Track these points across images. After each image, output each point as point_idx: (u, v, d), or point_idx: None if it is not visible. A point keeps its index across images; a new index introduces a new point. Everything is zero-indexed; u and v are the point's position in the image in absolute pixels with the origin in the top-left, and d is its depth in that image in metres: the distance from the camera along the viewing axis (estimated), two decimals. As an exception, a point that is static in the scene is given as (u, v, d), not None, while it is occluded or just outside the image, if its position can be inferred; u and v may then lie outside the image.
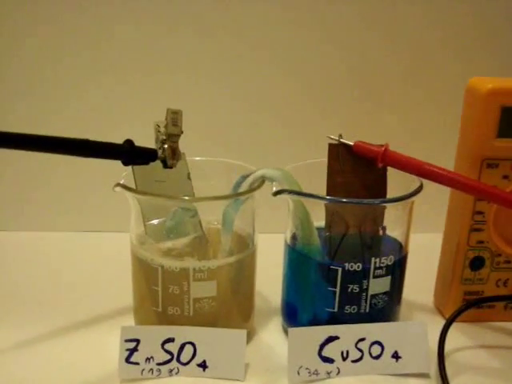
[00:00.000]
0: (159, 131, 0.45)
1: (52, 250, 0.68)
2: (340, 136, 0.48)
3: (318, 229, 0.47)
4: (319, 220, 0.47)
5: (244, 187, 0.46)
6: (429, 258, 0.56)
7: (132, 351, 0.44)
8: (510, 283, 0.53)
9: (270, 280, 0.52)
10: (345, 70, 0.68)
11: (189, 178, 0.50)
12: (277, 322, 0.53)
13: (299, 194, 0.45)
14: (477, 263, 0.52)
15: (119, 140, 0.43)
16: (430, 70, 0.69)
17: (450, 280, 0.52)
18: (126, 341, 0.44)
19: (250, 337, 0.50)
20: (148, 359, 0.44)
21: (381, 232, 0.47)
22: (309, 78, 0.68)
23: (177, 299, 0.45)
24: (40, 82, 0.67)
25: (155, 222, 0.48)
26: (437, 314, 0.55)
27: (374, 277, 0.46)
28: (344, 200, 0.45)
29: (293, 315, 0.50)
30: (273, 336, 0.51)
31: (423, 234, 0.61)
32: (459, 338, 0.51)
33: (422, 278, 0.56)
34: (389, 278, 0.46)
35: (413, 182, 0.47)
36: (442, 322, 0.50)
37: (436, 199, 0.54)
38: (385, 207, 0.47)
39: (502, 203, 0.46)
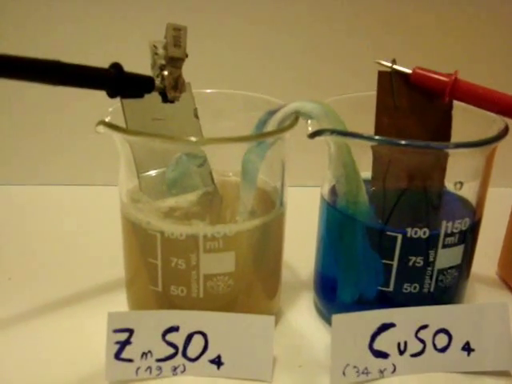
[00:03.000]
0: (157, 54, 0.36)
1: (29, 207, 0.59)
2: (393, 61, 0.39)
3: (364, 182, 0.37)
4: (363, 171, 0.37)
5: (271, 126, 0.35)
6: (493, 218, 0.45)
7: (123, 344, 0.35)
8: None
9: (300, 246, 0.43)
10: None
11: (196, 115, 0.40)
12: (309, 300, 0.43)
13: (346, 134, 0.35)
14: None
15: (104, 64, 0.33)
16: None
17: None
18: (116, 331, 0.35)
19: (275, 320, 0.39)
20: (145, 354, 0.35)
21: (458, 187, 0.36)
22: None
23: (182, 276, 0.35)
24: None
25: (152, 173, 0.38)
26: (504, 288, 0.46)
27: (444, 246, 0.35)
28: (406, 143, 0.33)
29: (330, 293, 0.40)
30: (304, 318, 0.41)
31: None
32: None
33: (483, 243, 0.46)
34: (461, 247, 0.37)
35: (492, 122, 0.37)
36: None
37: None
38: (447, 155, 0.36)
39: None
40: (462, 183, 0.36)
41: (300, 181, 0.43)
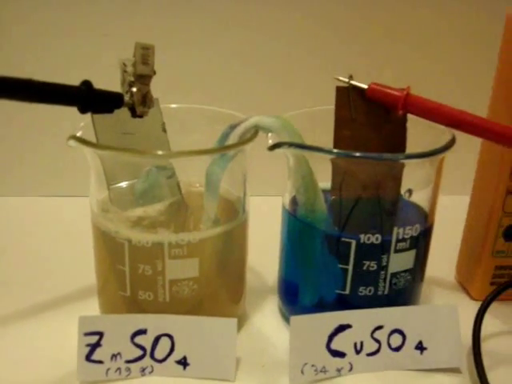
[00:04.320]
0: (126, 71, 0.37)
1: (5, 217, 0.59)
2: (350, 77, 0.40)
3: (323, 191, 0.38)
4: (323, 181, 0.39)
5: (232, 140, 0.37)
6: (450, 224, 0.47)
7: (94, 347, 0.36)
8: (549, 255, 0.44)
9: (264, 252, 0.44)
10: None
11: (163, 129, 0.41)
12: (273, 304, 0.44)
13: (303, 147, 0.36)
14: (512, 232, 0.43)
15: (75, 81, 0.34)
16: None
17: (479, 252, 0.44)
18: (86, 334, 0.36)
19: (240, 323, 0.41)
20: (114, 356, 0.36)
21: (407, 196, 0.38)
22: (312, 6, 0.59)
23: (149, 281, 0.37)
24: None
25: (122, 184, 0.40)
26: (460, 291, 0.47)
27: (396, 251, 0.37)
28: (360, 155, 0.35)
29: (293, 297, 0.41)
30: (268, 321, 0.43)
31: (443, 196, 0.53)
32: (492, 322, 0.43)
33: (441, 248, 0.47)
34: (413, 252, 0.38)
35: (441, 133, 0.39)
36: (468, 303, 0.44)
37: (461, 156, 0.45)
38: (403, 165, 0.38)
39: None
40: (411, 191, 0.38)
41: (263, 190, 0.44)
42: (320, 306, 0.39)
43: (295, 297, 0.41)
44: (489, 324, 0.42)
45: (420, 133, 0.40)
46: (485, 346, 0.40)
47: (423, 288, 0.45)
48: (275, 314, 0.43)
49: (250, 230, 0.41)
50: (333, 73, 0.40)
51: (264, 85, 0.60)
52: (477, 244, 0.44)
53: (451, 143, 0.37)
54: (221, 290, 0.39)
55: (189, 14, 0.58)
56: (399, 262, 0.38)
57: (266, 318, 0.43)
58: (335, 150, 0.37)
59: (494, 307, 0.43)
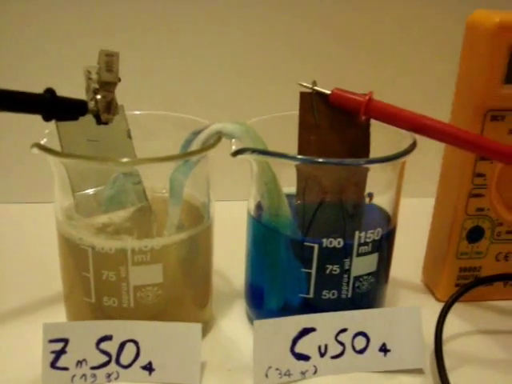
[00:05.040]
0: (90, 78, 0.37)
1: None
2: (314, 83, 0.40)
3: (289, 196, 0.39)
4: (290, 186, 0.39)
5: (196, 146, 0.37)
6: (416, 226, 0.48)
7: (59, 354, 0.36)
8: (511, 257, 0.45)
9: (232, 256, 0.44)
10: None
11: (129, 136, 0.41)
12: (240, 308, 0.45)
13: (265, 153, 0.36)
14: (475, 234, 0.44)
15: (39, 89, 0.35)
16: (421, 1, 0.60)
17: (444, 254, 0.45)
18: (51, 341, 0.36)
19: (207, 328, 0.42)
20: (79, 362, 0.36)
21: (367, 200, 0.38)
22: (277, 11, 0.59)
23: (113, 288, 0.37)
24: None
25: (87, 191, 0.39)
26: (427, 293, 0.48)
27: (358, 255, 0.37)
28: (321, 160, 0.36)
29: (259, 300, 0.42)
30: (235, 325, 0.43)
31: (410, 198, 0.53)
32: (454, 323, 0.43)
33: (407, 251, 0.48)
34: (376, 255, 0.38)
35: (403, 138, 0.39)
36: (433, 304, 0.45)
37: (426, 159, 0.46)
38: (367, 169, 0.38)
39: (509, 162, 0.38)
40: (371, 195, 0.39)
41: (229, 195, 0.44)
42: (286, 310, 0.39)
43: (261, 301, 0.41)
44: (454, 325, 0.43)
45: (384, 137, 0.41)
46: (449, 347, 0.41)
47: (390, 290, 0.46)
48: (242, 318, 0.43)
49: (217, 235, 0.42)
50: (297, 79, 0.40)
51: (229, 91, 0.61)
52: (441, 246, 0.45)
53: (412, 148, 0.38)
54: (186, 295, 0.39)
55: (152, 20, 0.58)
56: (362, 265, 0.38)
57: (233, 322, 0.43)
58: (296, 156, 0.37)
59: (460, 308, 0.44)
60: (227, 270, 0.48)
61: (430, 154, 0.45)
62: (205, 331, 0.41)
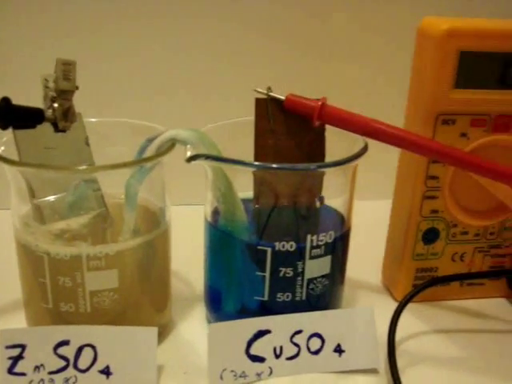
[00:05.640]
0: (47, 87, 0.37)
1: None
2: (269, 89, 0.40)
3: (246, 201, 0.40)
4: (248, 191, 0.40)
5: (150, 152, 0.38)
6: (377, 228, 0.49)
7: (16, 359, 0.36)
8: (466, 257, 0.46)
9: (193, 260, 0.44)
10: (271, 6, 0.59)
11: (87, 143, 0.41)
12: (200, 311, 0.45)
13: (218, 159, 0.37)
14: (430, 236, 0.45)
15: None
16: (374, 7, 0.60)
17: (401, 256, 0.46)
18: (8, 347, 0.36)
19: (166, 331, 0.42)
20: (37, 368, 0.37)
21: (317, 204, 0.39)
22: (230, 17, 0.59)
23: (70, 293, 0.37)
24: None
25: (44, 199, 0.40)
26: (386, 294, 0.48)
27: (311, 257, 0.38)
28: (272, 166, 0.37)
29: (217, 304, 0.42)
30: (194, 328, 0.43)
31: (371, 201, 0.54)
32: (411, 323, 0.44)
33: (368, 252, 0.49)
34: (329, 258, 0.39)
35: (356, 142, 0.39)
36: (392, 305, 0.44)
37: (384, 162, 0.47)
38: (323, 173, 0.39)
39: (459, 165, 0.39)
40: (322, 198, 0.39)
41: (194, 199, 0.44)
42: (243, 313, 0.40)
43: (219, 304, 0.42)
44: (411, 324, 0.44)
45: (340, 141, 0.41)
46: (406, 346, 0.42)
47: (349, 291, 0.47)
48: (202, 321, 0.44)
49: (178, 239, 0.42)
50: (253, 85, 0.41)
51: (187, 97, 0.61)
52: (398, 248, 0.46)
53: (362, 152, 0.38)
54: (144, 300, 0.40)
55: (108, 26, 0.58)
56: (315, 268, 0.39)
57: (193, 325, 0.43)
58: (248, 162, 0.37)
59: (418, 308, 0.45)
60: (187, 273, 0.49)
61: (392, 156, 0.46)
62: (164, 335, 0.42)
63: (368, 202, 0.55)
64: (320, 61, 0.61)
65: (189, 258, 0.45)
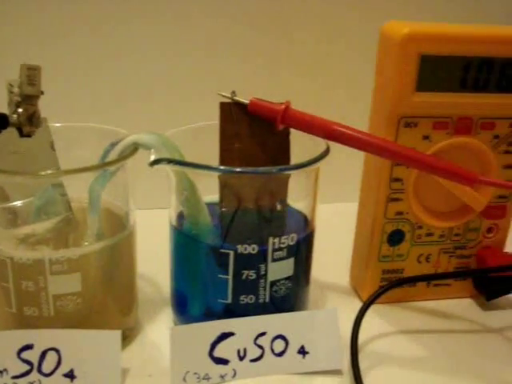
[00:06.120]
0: (12, 92, 0.37)
1: None
2: (233, 93, 0.41)
3: (213, 204, 0.40)
4: (214, 194, 0.40)
5: (112, 157, 0.38)
6: (346, 230, 0.49)
7: None
8: (432, 258, 0.46)
9: (161, 263, 0.44)
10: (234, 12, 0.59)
11: (52, 147, 0.41)
12: (168, 314, 0.45)
13: (180, 163, 0.37)
14: (396, 237, 0.45)
15: None
16: (339, 11, 0.61)
17: (367, 257, 0.46)
18: None
19: (133, 334, 0.43)
20: (0, 372, 0.37)
21: (279, 207, 0.39)
22: (195, 21, 0.59)
23: (33, 297, 0.37)
24: None
25: (9, 204, 0.40)
26: (354, 295, 0.49)
27: (274, 260, 0.38)
28: (233, 169, 0.37)
29: (183, 307, 0.43)
30: (161, 331, 0.43)
31: (341, 203, 0.55)
32: (377, 324, 0.45)
33: (337, 254, 0.50)
34: (292, 260, 0.39)
35: (319, 145, 0.40)
36: (359, 306, 0.44)
37: (353, 164, 0.47)
38: (288, 176, 0.39)
39: (422, 167, 0.40)
40: (283, 201, 0.40)
41: (162, 202, 0.44)
42: (209, 316, 0.40)
43: (185, 307, 0.42)
44: (377, 325, 0.45)
45: (305, 144, 0.42)
46: (370, 347, 0.42)
47: (318, 293, 0.47)
48: (169, 324, 0.44)
49: (146, 242, 0.42)
50: (217, 89, 0.41)
51: (153, 102, 0.61)
52: (364, 249, 0.46)
53: (324, 154, 0.39)
54: (109, 303, 0.40)
55: (69, 31, 0.58)
56: (278, 270, 0.39)
57: (159, 328, 0.43)
58: (209, 166, 0.37)
59: (384, 309, 0.46)
60: (155, 276, 0.49)
61: (359, 159, 0.47)
62: (130, 338, 0.42)
63: (339, 204, 0.56)
64: (286, 64, 0.62)
65: (157, 261, 0.45)
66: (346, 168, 0.50)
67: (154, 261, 0.45)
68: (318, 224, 0.43)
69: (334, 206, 0.50)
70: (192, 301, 0.41)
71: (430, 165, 0.39)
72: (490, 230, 0.47)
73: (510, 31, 0.42)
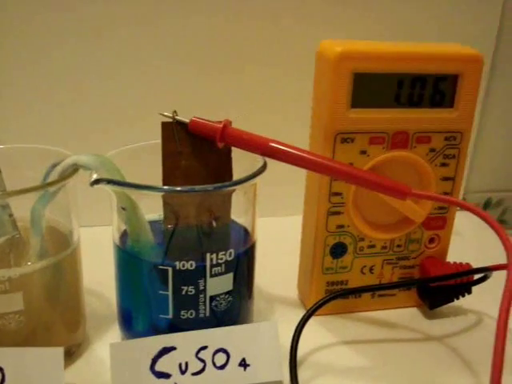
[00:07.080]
0: None
1: None
2: (175, 113, 0.42)
3: (157, 222, 0.41)
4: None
5: (53, 177, 0.39)
6: (296, 243, 0.50)
7: None
8: (376, 269, 0.48)
9: (111, 278, 0.44)
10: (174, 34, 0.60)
11: None
12: (116, 330, 0.46)
13: (118, 183, 0.38)
14: (338, 250, 0.46)
15: None
16: (278, 31, 0.62)
17: (311, 270, 0.47)
18: None
19: (81, 350, 0.43)
20: None
21: (214, 223, 0.40)
22: (136, 38, 0.60)
23: (-25, 317, 0.38)
24: None
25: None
26: (301, 308, 0.50)
27: (212, 275, 0.39)
28: (171, 188, 0.38)
29: (128, 323, 0.44)
30: (108, 348, 0.43)
31: (292, 216, 0.56)
32: (321, 335, 0.46)
33: (286, 267, 0.51)
34: (231, 275, 0.40)
35: (258, 161, 0.41)
36: None
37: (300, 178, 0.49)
38: (230, 192, 0.40)
39: (355, 182, 0.41)
40: (217, 217, 0.41)
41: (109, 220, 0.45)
42: (153, 331, 0.41)
43: (130, 323, 0.43)
44: (320, 336, 0.46)
45: (245, 161, 0.43)
46: (313, 358, 0.43)
47: (266, 305, 0.48)
48: (117, 339, 0.45)
49: (95, 259, 0.44)
50: (159, 108, 0.42)
51: (99, 122, 0.62)
52: (309, 262, 0.47)
53: (260, 170, 0.40)
54: (54, 320, 0.41)
55: (13, 52, 0.59)
56: (217, 285, 0.40)
57: (107, 344, 0.43)
58: (146, 185, 0.38)
59: (329, 320, 0.47)
60: (104, 291, 0.50)
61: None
62: (77, 354, 0.43)
63: (290, 217, 0.57)
64: (227, 82, 0.62)
65: (106, 277, 0.45)
66: (295, 182, 0.51)
67: (102, 276, 0.46)
68: (268, 237, 0.44)
69: (286, 220, 0.51)
70: (137, 317, 0.42)
71: (362, 179, 0.40)
72: (431, 241, 0.48)
73: (441, 48, 0.43)
